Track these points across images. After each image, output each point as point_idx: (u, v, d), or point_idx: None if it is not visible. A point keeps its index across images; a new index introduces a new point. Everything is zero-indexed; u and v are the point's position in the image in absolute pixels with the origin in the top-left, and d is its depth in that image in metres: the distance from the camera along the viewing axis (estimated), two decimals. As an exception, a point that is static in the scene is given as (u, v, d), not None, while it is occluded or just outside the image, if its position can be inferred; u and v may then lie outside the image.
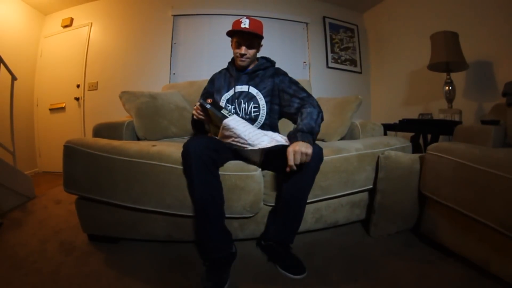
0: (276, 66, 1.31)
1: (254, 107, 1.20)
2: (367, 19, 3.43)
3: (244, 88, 1.23)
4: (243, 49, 1.18)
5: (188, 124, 1.57)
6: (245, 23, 1.13)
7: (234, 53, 1.23)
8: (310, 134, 0.96)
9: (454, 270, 1.00)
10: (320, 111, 1.07)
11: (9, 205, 1.70)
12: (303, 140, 0.91)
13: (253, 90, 1.21)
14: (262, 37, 1.19)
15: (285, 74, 1.26)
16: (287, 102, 1.17)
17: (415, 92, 2.72)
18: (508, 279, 0.85)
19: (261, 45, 1.25)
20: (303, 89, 1.18)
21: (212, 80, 1.39)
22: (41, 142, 3.15)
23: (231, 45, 1.24)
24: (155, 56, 2.90)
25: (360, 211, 1.34)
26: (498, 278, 0.88)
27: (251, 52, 1.20)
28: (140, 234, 1.18)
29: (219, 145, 1.04)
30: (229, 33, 1.19)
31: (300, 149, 0.87)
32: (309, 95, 1.16)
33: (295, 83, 1.21)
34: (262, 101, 1.20)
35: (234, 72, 1.27)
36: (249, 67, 1.26)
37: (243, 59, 1.20)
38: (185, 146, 0.96)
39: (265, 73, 1.25)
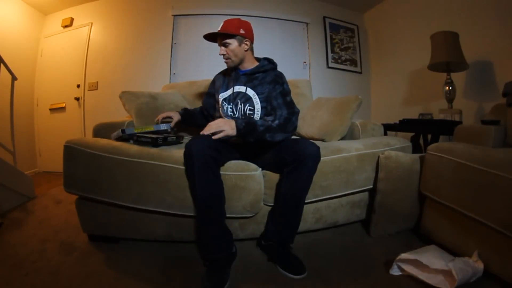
0: (277, 67, 1.30)
1: (249, 109, 1.21)
2: (367, 19, 3.43)
3: (242, 88, 1.23)
4: (220, 50, 1.21)
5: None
6: (220, 26, 1.18)
7: None
8: (247, 122, 1.02)
9: (454, 270, 0.99)
10: (275, 126, 1.05)
11: (9, 205, 1.70)
12: (236, 121, 1.01)
13: (250, 92, 1.21)
14: (232, 34, 1.16)
15: (281, 83, 1.20)
16: (269, 112, 1.19)
17: (415, 92, 2.72)
18: (508, 279, 0.85)
19: (246, 40, 1.19)
20: (287, 104, 1.15)
21: (213, 81, 1.43)
22: (41, 142, 3.15)
23: None
24: (155, 56, 2.90)
25: (360, 211, 1.34)
26: (498, 278, 0.88)
27: (229, 51, 1.19)
28: (140, 234, 1.18)
29: (221, 145, 1.04)
30: (206, 38, 1.22)
31: (218, 124, 1.00)
32: (289, 113, 1.11)
33: (284, 95, 1.17)
34: (258, 105, 1.21)
35: (233, 72, 1.28)
36: (244, 67, 1.25)
37: (225, 59, 1.23)
38: (187, 146, 0.96)
39: (265, 76, 1.23)
